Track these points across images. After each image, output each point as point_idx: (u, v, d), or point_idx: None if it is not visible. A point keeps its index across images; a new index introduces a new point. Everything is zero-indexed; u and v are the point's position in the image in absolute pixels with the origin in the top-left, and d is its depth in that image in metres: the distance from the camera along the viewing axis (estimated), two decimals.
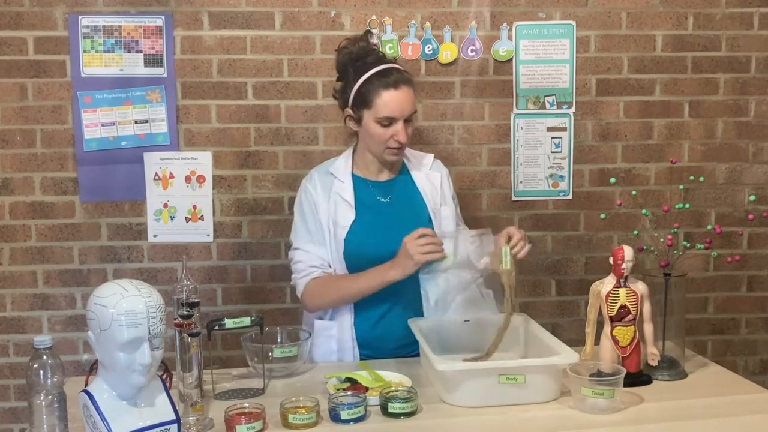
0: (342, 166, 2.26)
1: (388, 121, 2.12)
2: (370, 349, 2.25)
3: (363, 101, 2.14)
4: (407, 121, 2.14)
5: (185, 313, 1.79)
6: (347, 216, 2.20)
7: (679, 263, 2.14)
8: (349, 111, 2.20)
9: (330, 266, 2.23)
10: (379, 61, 2.16)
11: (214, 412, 1.82)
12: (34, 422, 1.62)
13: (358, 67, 2.16)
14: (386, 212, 2.24)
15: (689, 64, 3.02)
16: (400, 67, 2.19)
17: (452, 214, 2.32)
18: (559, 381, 1.88)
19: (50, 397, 1.61)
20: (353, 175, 2.26)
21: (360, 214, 2.21)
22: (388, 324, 2.22)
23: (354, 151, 2.29)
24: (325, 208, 2.22)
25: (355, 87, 2.15)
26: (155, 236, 2.93)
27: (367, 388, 1.88)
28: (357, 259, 2.19)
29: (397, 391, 1.82)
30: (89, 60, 2.83)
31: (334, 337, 2.26)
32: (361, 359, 2.24)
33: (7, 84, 2.83)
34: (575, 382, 1.81)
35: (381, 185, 2.27)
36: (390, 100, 2.10)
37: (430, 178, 2.32)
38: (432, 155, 2.39)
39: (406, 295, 2.17)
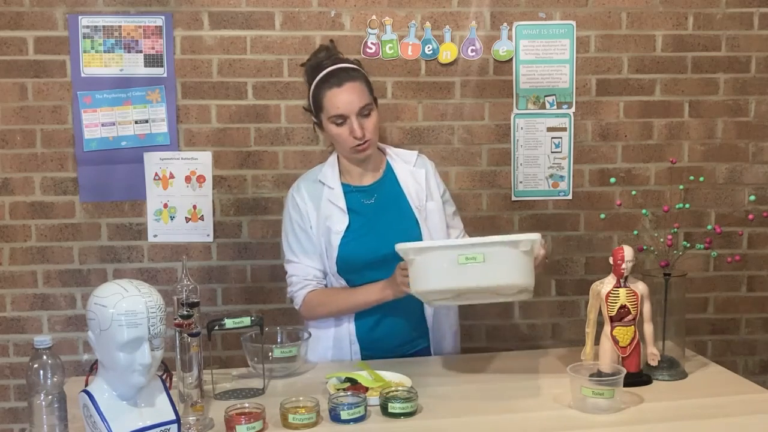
0: (330, 173, 2.28)
1: (340, 119, 2.15)
2: (371, 350, 2.25)
3: (317, 106, 2.20)
4: (364, 116, 2.16)
5: (185, 313, 1.79)
6: (341, 222, 2.22)
7: (679, 263, 2.14)
8: (313, 119, 2.27)
9: (324, 278, 2.27)
10: (332, 64, 2.20)
11: (214, 412, 1.82)
12: (34, 422, 1.62)
13: (311, 76, 2.23)
14: (372, 215, 2.25)
15: (689, 64, 3.02)
16: (348, 65, 2.21)
17: (438, 209, 2.30)
18: (525, 266, 1.82)
19: (50, 397, 1.61)
20: (341, 183, 2.27)
21: (351, 219, 2.23)
22: (389, 325, 2.22)
23: (338, 160, 2.31)
24: (316, 217, 2.24)
25: (310, 95, 2.22)
26: (155, 236, 2.93)
27: (367, 388, 1.88)
28: (349, 263, 2.22)
29: (397, 391, 1.83)
30: (89, 60, 2.83)
31: (331, 337, 2.26)
32: (362, 359, 2.24)
33: (7, 84, 2.83)
34: (575, 382, 1.81)
35: (366, 189, 2.28)
36: (335, 98, 2.14)
37: (415, 175, 2.31)
38: (416, 152, 2.38)
39: (405, 298, 2.16)
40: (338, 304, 2.23)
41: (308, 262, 2.25)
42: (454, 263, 1.80)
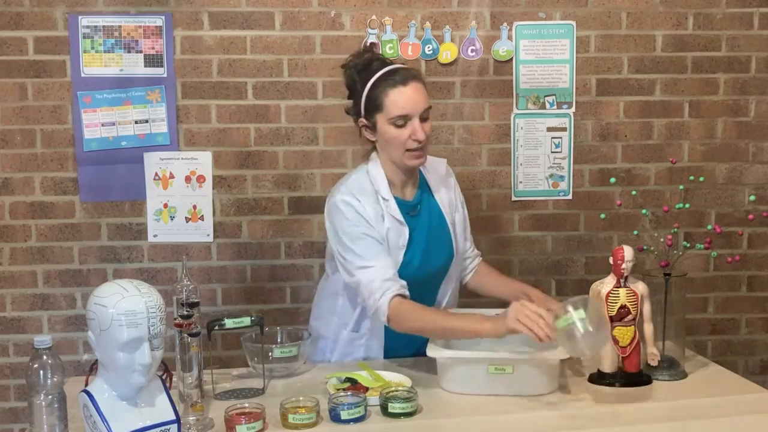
0: (381, 184, 2.11)
1: (402, 120, 2.03)
2: (397, 351, 2.20)
3: (373, 106, 2.05)
4: (423, 119, 2.05)
5: (185, 313, 1.79)
6: (403, 235, 2.10)
7: (679, 263, 2.14)
8: (363, 120, 2.10)
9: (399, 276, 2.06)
10: (385, 65, 2.09)
11: (214, 412, 1.82)
12: (34, 422, 1.62)
13: (364, 75, 2.09)
14: (419, 231, 2.16)
15: (689, 64, 3.02)
16: (406, 66, 2.12)
17: (461, 220, 2.28)
18: (552, 375, 1.91)
19: (50, 397, 1.61)
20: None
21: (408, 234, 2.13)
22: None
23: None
24: (378, 228, 2.07)
25: (364, 94, 2.07)
26: (155, 236, 2.93)
27: (367, 388, 1.88)
28: (407, 280, 2.05)
29: (397, 391, 1.83)
30: (89, 60, 2.83)
31: (362, 347, 2.21)
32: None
33: (7, 84, 2.83)
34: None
35: (410, 203, 2.17)
36: (400, 98, 2.02)
37: (447, 186, 2.26)
38: (444, 160, 2.32)
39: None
40: (429, 325, 1.99)
41: (384, 263, 2.03)
42: (484, 372, 1.90)
